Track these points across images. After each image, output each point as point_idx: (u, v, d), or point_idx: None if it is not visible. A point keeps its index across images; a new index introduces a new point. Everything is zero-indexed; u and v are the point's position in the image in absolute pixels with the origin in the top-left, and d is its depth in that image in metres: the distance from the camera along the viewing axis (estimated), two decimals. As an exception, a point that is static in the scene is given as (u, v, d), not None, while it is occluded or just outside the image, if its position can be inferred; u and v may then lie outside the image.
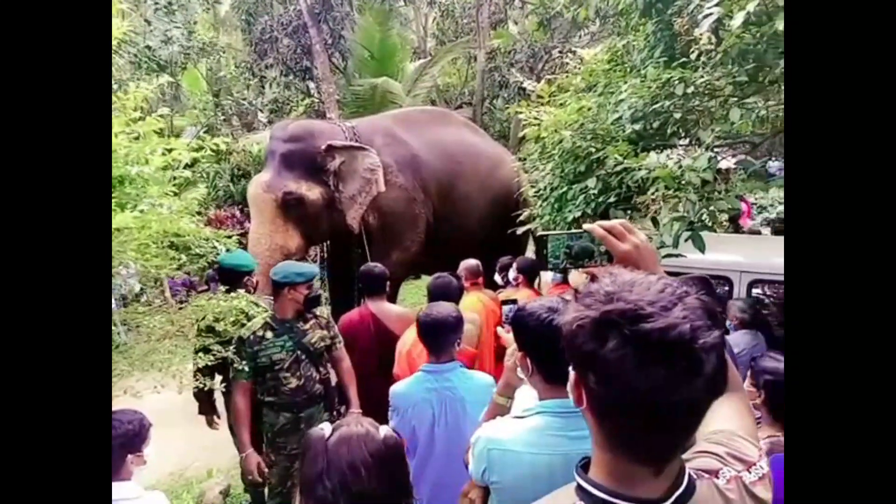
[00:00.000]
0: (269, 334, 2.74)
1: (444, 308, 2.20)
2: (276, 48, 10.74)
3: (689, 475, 0.77)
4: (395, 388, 2.20)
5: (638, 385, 0.67)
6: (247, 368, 2.69)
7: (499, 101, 11.85)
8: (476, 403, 2.08)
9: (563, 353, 0.76)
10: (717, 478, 0.80)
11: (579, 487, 0.79)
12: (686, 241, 2.69)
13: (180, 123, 9.82)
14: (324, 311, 2.92)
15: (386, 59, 11.47)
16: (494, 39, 11.79)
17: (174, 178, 2.42)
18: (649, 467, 0.74)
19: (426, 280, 3.26)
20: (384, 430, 1.14)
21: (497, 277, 4.35)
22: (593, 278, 0.77)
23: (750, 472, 0.82)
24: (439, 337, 2.14)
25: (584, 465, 0.81)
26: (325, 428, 1.14)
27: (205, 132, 8.61)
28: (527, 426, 1.27)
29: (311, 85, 11.39)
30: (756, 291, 3.77)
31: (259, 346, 2.71)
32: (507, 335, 2.12)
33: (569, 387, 0.79)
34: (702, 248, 2.67)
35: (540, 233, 1.11)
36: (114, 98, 2.33)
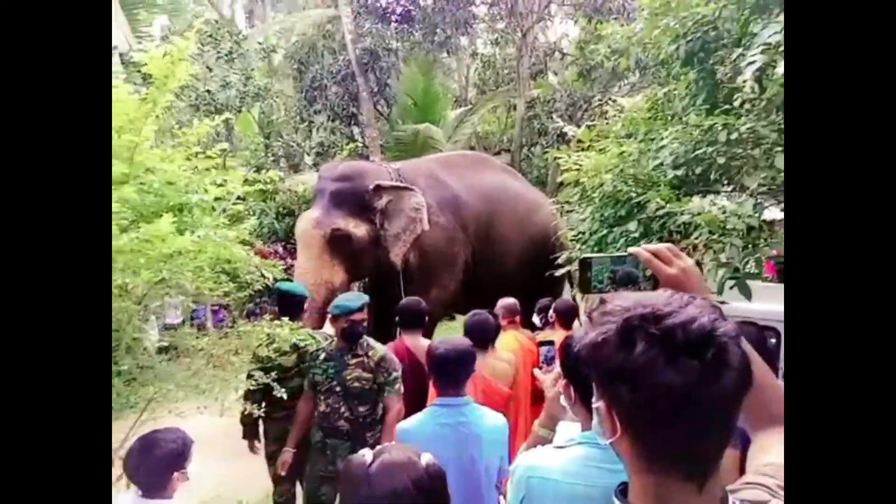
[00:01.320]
0: (322, 356, 2.94)
1: (458, 341, 2.16)
2: (324, 95, 11.28)
3: None
4: (403, 426, 2.12)
5: (671, 382, 0.68)
6: (306, 382, 2.97)
7: (537, 147, 11.99)
8: (490, 442, 2.04)
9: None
10: None
11: None
12: (731, 288, 2.63)
13: (231, 163, 10.29)
14: (379, 352, 2.89)
15: (428, 106, 11.89)
16: (534, 89, 12.05)
17: (225, 210, 2.55)
18: (690, 483, 0.72)
19: (461, 320, 3.26)
20: (426, 459, 1.11)
21: (535, 319, 4.31)
22: (602, 302, 0.79)
23: None
24: (455, 370, 2.09)
25: (623, 491, 0.79)
26: (365, 454, 1.12)
27: (254, 172, 8.98)
28: (567, 456, 1.25)
29: (356, 130, 11.84)
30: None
31: (311, 364, 2.96)
32: (543, 377, 2.08)
33: (595, 422, 0.78)
34: (748, 296, 2.60)
35: (583, 255, 1.09)
36: (176, 134, 2.50)
